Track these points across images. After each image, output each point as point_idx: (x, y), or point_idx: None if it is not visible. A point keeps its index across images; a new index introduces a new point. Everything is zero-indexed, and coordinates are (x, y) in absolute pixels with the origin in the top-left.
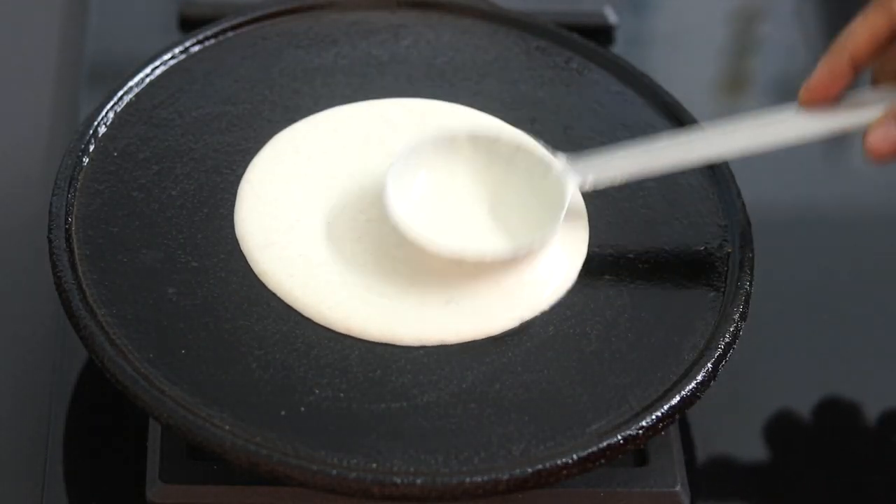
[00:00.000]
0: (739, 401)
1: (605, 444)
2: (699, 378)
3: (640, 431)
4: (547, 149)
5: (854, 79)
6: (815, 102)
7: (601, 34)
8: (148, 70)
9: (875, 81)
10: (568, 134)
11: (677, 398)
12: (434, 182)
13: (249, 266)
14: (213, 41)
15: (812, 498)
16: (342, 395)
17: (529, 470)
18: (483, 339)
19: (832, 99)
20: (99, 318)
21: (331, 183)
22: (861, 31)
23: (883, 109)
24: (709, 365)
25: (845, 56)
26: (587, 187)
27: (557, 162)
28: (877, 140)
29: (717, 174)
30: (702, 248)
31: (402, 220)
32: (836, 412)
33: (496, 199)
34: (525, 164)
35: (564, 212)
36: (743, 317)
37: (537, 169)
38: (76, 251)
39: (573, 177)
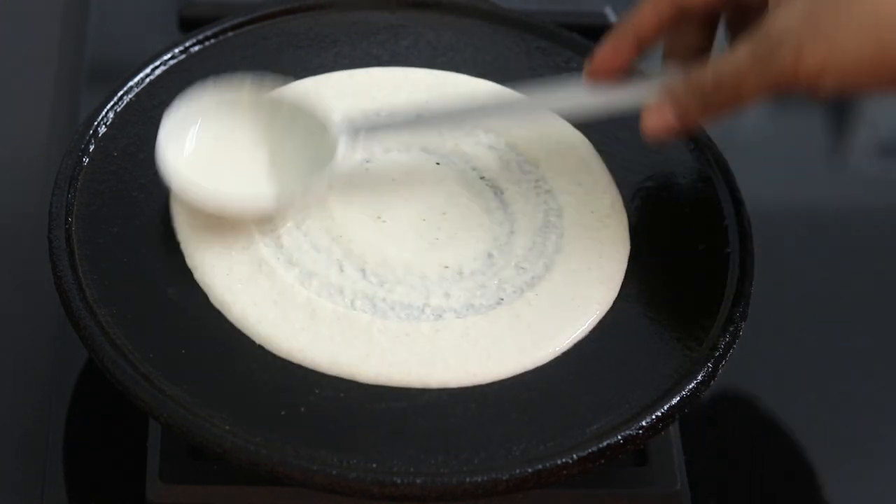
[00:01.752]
0: (739, 401)
1: (605, 444)
2: (699, 378)
3: (640, 431)
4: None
5: (639, 56)
6: (599, 78)
7: (601, 34)
8: (148, 70)
9: (665, 58)
10: None
11: (677, 398)
12: (212, 138)
13: None
14: (213, 41)
15: (812, 498)
16: (342, 395)
17: (529, 470)
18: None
19: (616, 75)
20: (99, 318)
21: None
22: (646, 12)
23: (658, 90)
24: (709, 365)
25: (630, 35)
26: (360, 144)
27: (334, 121)
28: (650, 122)
29: (717, 174)
30: (702, 247)
31: (171, 173)
32: (836, 412)
33: (277, 157)
34: (304, 123)
35: (335, 166)
36: (743, 317)
37: (316, 128)
38: (76, 251)
39: (347, 133)
